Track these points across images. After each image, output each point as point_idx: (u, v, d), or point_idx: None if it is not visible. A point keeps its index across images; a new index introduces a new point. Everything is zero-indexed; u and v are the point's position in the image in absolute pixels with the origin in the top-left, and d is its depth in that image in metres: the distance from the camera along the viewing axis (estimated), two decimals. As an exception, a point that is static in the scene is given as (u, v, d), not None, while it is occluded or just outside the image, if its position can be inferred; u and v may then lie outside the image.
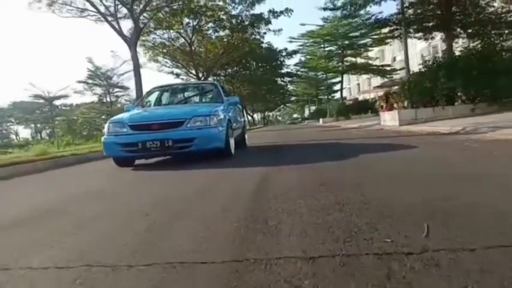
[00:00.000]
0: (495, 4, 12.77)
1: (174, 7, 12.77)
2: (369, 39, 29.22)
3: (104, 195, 3.00)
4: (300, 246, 1.30)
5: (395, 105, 13.34)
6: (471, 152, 3.76)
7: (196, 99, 6.71)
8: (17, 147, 28.50)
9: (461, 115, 11.05)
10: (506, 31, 12.74)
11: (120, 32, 11.82)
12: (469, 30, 13.48)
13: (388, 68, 32.34)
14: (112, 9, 11.71)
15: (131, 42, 11.72)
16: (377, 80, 37.77)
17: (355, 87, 55.88)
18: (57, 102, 38.01)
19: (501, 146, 4.09)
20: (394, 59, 38.12)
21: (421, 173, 2.74)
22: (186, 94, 7.01)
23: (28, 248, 1.57)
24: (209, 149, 4.62)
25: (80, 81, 33.71)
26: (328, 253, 1.21)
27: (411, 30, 13.64)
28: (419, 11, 12.81)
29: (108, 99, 33.24)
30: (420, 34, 13.98)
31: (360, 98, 39.45)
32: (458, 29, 13.46)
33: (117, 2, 11.68)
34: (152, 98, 6.57)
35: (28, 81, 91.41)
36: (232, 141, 5.27)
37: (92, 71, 32.18)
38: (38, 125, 49.71)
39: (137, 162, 5.02)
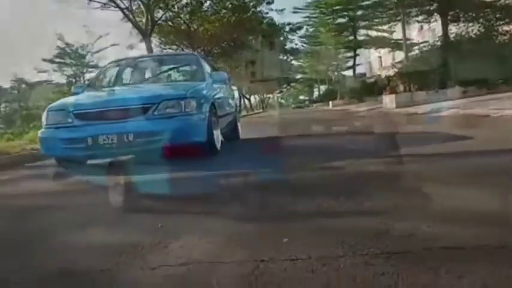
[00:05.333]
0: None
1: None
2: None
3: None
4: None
5: (396, 88, 18.46)
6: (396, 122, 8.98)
7: (170, 76, 6.62)
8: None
9: (452, 98, 15.98)
10: (500, 15, 17.90)
11: (135, 24, 16.90)
12: (469, 13, 18.69)
13: (408, 42, 37.02)
14: (126, 3, 16.81)
15: (146, 33, 16.77)
16: (401, 54, 42.14)
17: (376, 60, 60.11)
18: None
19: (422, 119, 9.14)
20: (422, 28, 42.81)
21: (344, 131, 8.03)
22: (156, 70, 6.86)
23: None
24: (185, 145, 4.52)
25: (45, 60, 38.42)
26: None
27: (412, 13, 18.87)
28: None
29: (81, 80, 37.86)
30: (422, 17, 19.20)
31: (383, 74, 43.59)
32: (459, 12, 18.66)
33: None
34: (110, 75, 6.39)
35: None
36: (217, 133, 5.20)
37: (61, 48, 36.94)
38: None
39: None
